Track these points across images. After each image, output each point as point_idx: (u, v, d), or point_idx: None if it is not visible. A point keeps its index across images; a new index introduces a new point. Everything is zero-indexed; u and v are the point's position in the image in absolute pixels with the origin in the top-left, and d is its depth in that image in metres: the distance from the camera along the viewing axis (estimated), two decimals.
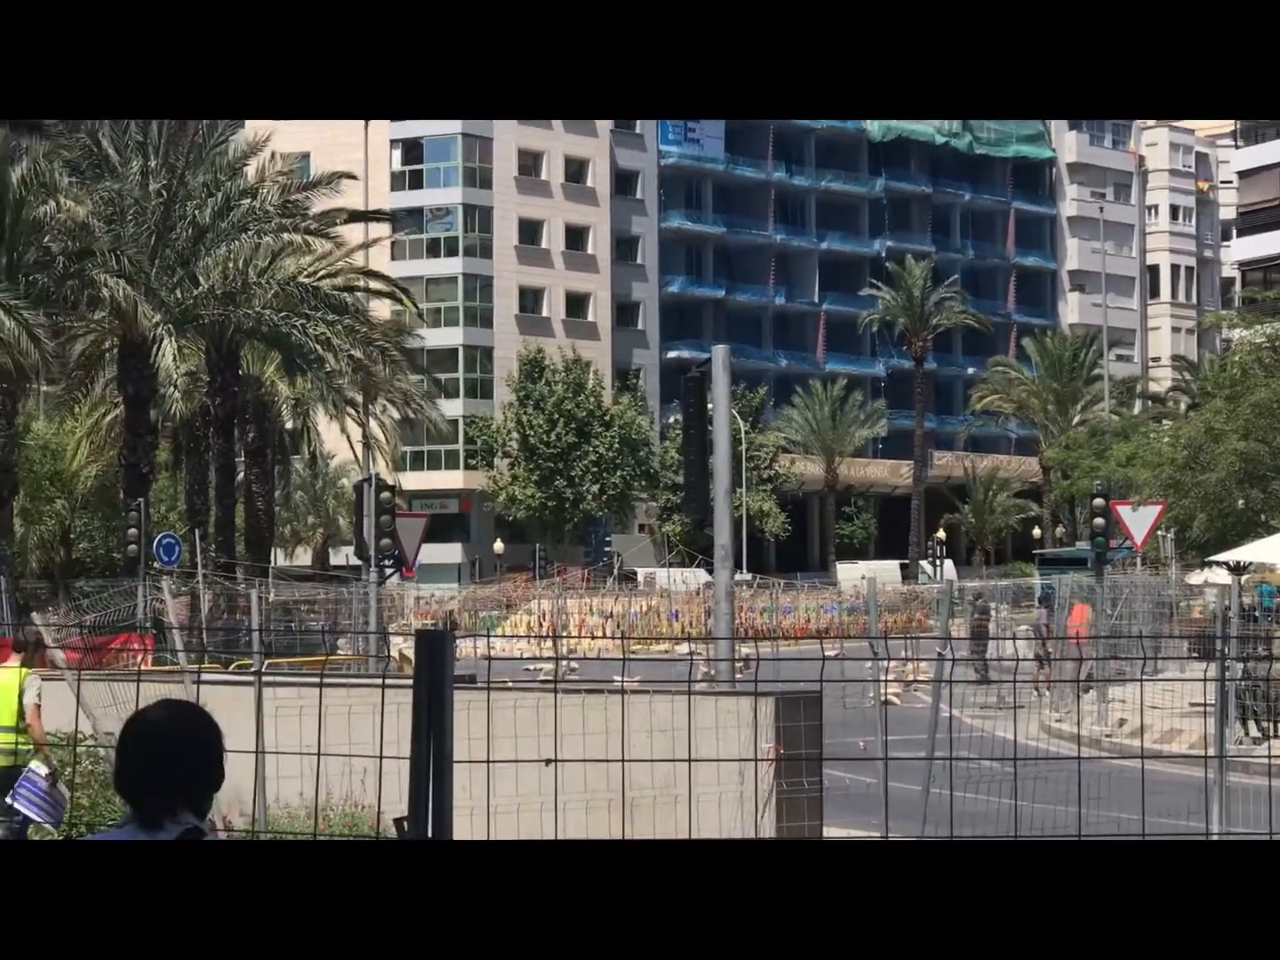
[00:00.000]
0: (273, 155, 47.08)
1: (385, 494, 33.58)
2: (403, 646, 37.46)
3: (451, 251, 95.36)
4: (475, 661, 15.89)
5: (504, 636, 48.97)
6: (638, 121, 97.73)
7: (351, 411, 55.76)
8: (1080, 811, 6.59)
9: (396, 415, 61.41)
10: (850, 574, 76.28)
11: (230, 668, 25.36)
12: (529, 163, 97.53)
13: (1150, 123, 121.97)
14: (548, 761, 8.45)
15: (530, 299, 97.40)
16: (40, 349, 40.44)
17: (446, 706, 4.67)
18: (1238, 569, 38.02)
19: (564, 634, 49.55)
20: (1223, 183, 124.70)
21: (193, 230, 44.59)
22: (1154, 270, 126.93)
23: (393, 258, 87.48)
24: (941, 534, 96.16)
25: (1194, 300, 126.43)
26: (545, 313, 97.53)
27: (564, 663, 35.72)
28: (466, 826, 5.78)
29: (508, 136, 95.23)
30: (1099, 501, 37.03)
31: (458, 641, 5.04)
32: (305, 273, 47.00)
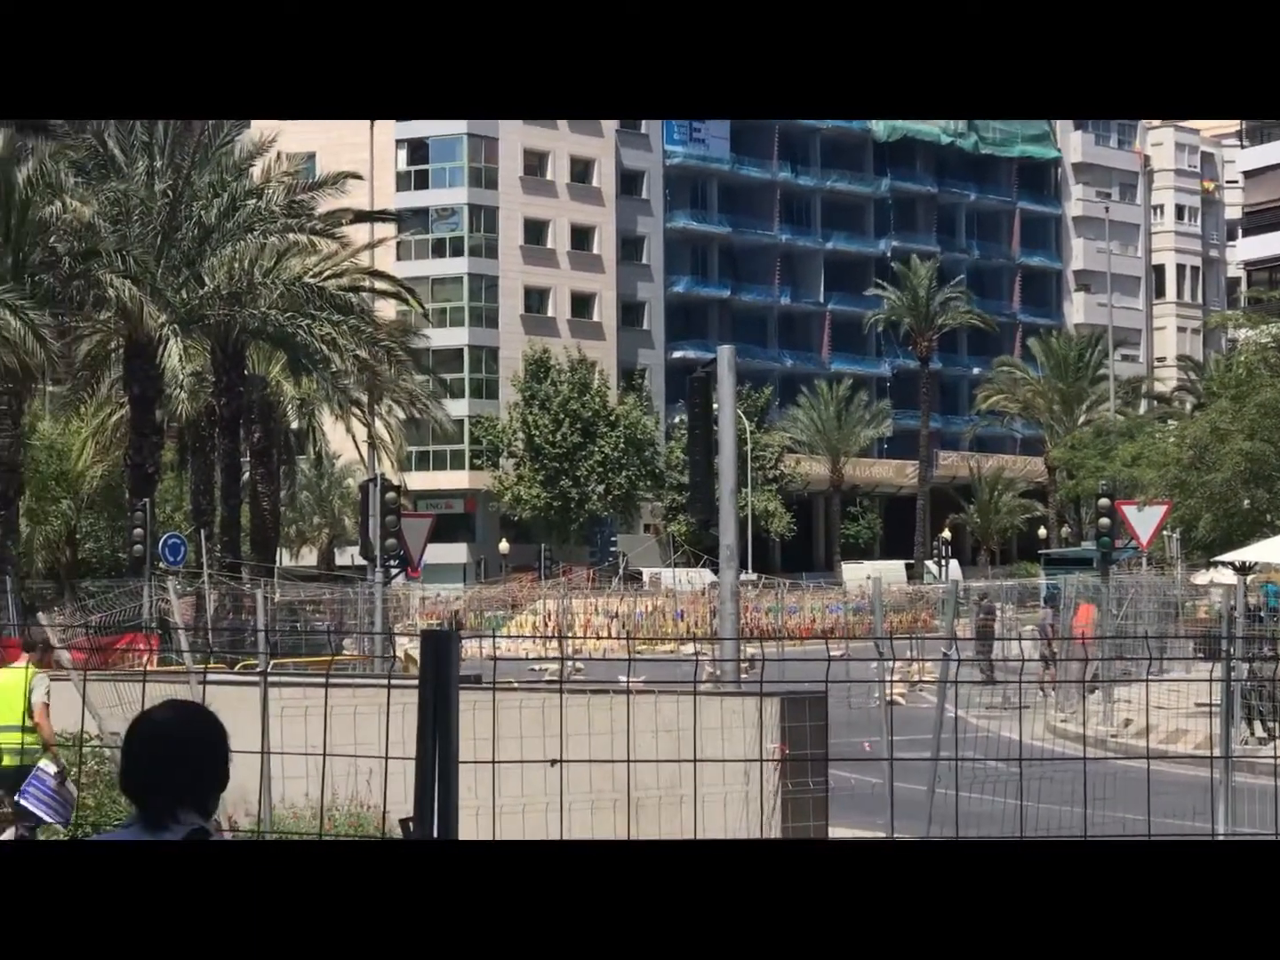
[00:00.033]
0: (278, 155, 47.09)
1: (390, 494, 33.56)
2: (408, 647, 37.48)
3: (457, 251, 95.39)
4: (481, 662, 15.90)
5: (509, 637, 48.99)
6: (643, 121, 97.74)
7: (357, 411, 55.77)
8: (1086, 812, 6.59)
9: (402, 415, 61.43)
10: (855, 574, 76.25)
11: (236, 668, 25.39)
12: (534, 163, 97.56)
13: (1156, 123, 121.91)
14: (553, 762, 8.45)
15: (535, 299, 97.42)
16: (46, 349, 40.47)
17: (452, 707, 4.67)
18: (1243, 569, 38.04)
19: (569, 634, 49.55)
20: (1228, 182, 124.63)
21: (198, 230, 44.61)
22: (1159, 270, 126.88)
23: (398, 258, 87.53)
24: (947, 534, 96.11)
25: (1199, 300, 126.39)
26: (550, 313, 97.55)
27: (569, 663, 35.72)
28: (472, 827, 5.78)
29: (513, 136, 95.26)
30: (1104, 501, 36.99)
31: (463, 642, 5.04)
32: (311, 273, 47.01)
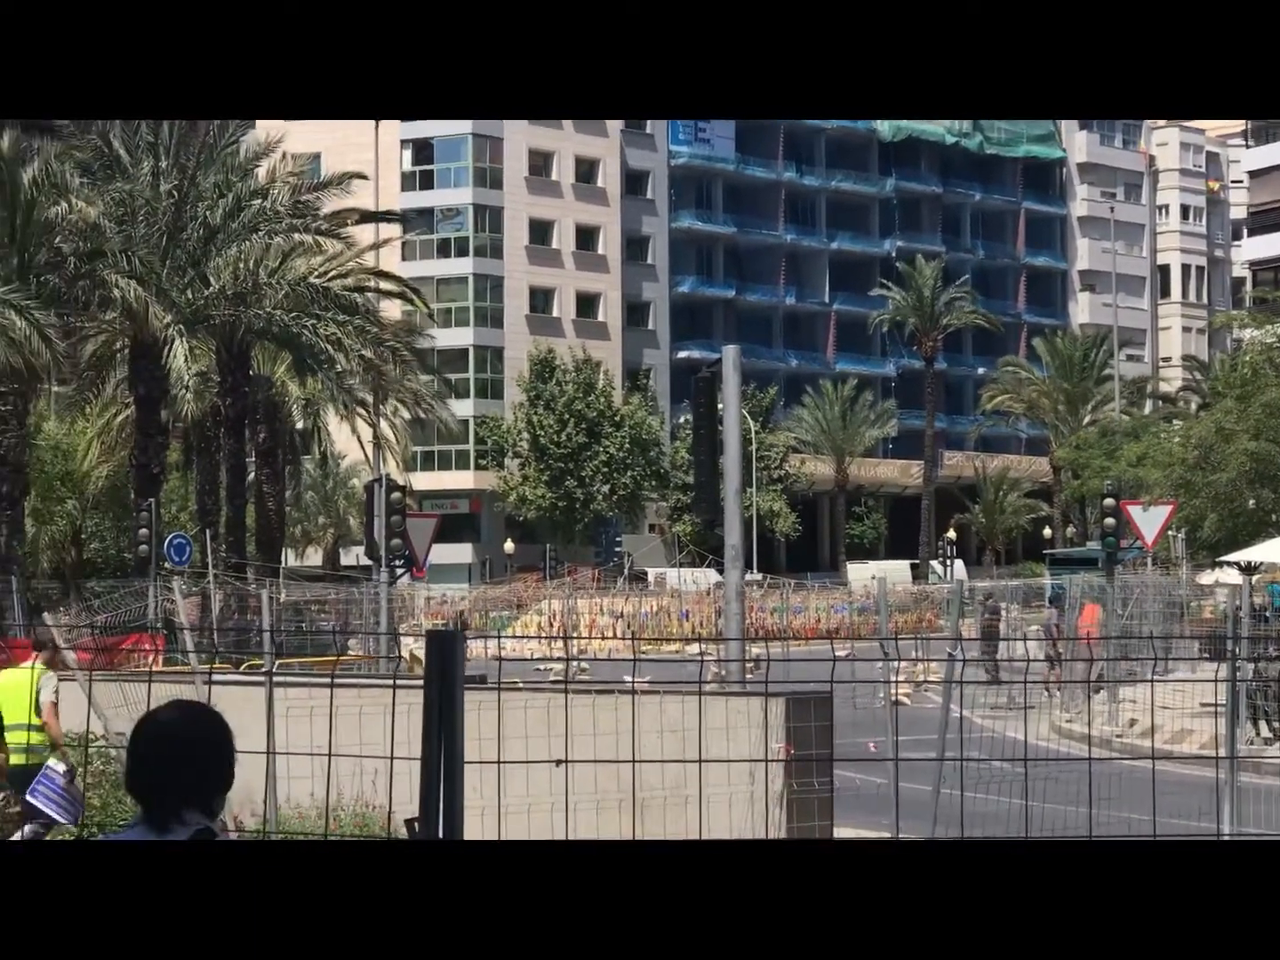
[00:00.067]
0: (284, 156, 47.11)
1: (396, 494, 33.57)
2: (413, 647, 37.50)
3: (462, 252, 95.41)
4: (486, 662, 15.91)
5: (514, 637, 48.96)
6: (648, 122, 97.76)
7: (362, 412, 55.76)
8: (1091, 812, 6.58)
9: (407, 415, 61.41)
10: (860, 574, 76.25)
11: (241, 668, 25.37)
12: (539, 163, 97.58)
13: (1161, 122, 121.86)
14: (558, 762, 8.45)
15: (541, 299, 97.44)
16: (51, 349, 40.49)
17: (457, 707, 4.67)
18: (1248, 569, 37.99)
19: (574, 634, 49.55)
20: (1233, 182, 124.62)
21: (203, 231, 44.63)
22: (1164, 270, 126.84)
23: (403, 258, 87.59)
24: (952, 534, 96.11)
25: (1204, 300, 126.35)
26: (556, 313, 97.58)
27: (574, 663, 35.72)
28: (477, 827, 5.78)
29: (518, 137, 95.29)
30: (1110, 501, 36.99)
31: (468, 642, 5.04)
32: (316, 273, 47.05)
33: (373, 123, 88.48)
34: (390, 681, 16.50)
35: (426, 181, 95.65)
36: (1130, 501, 40.04)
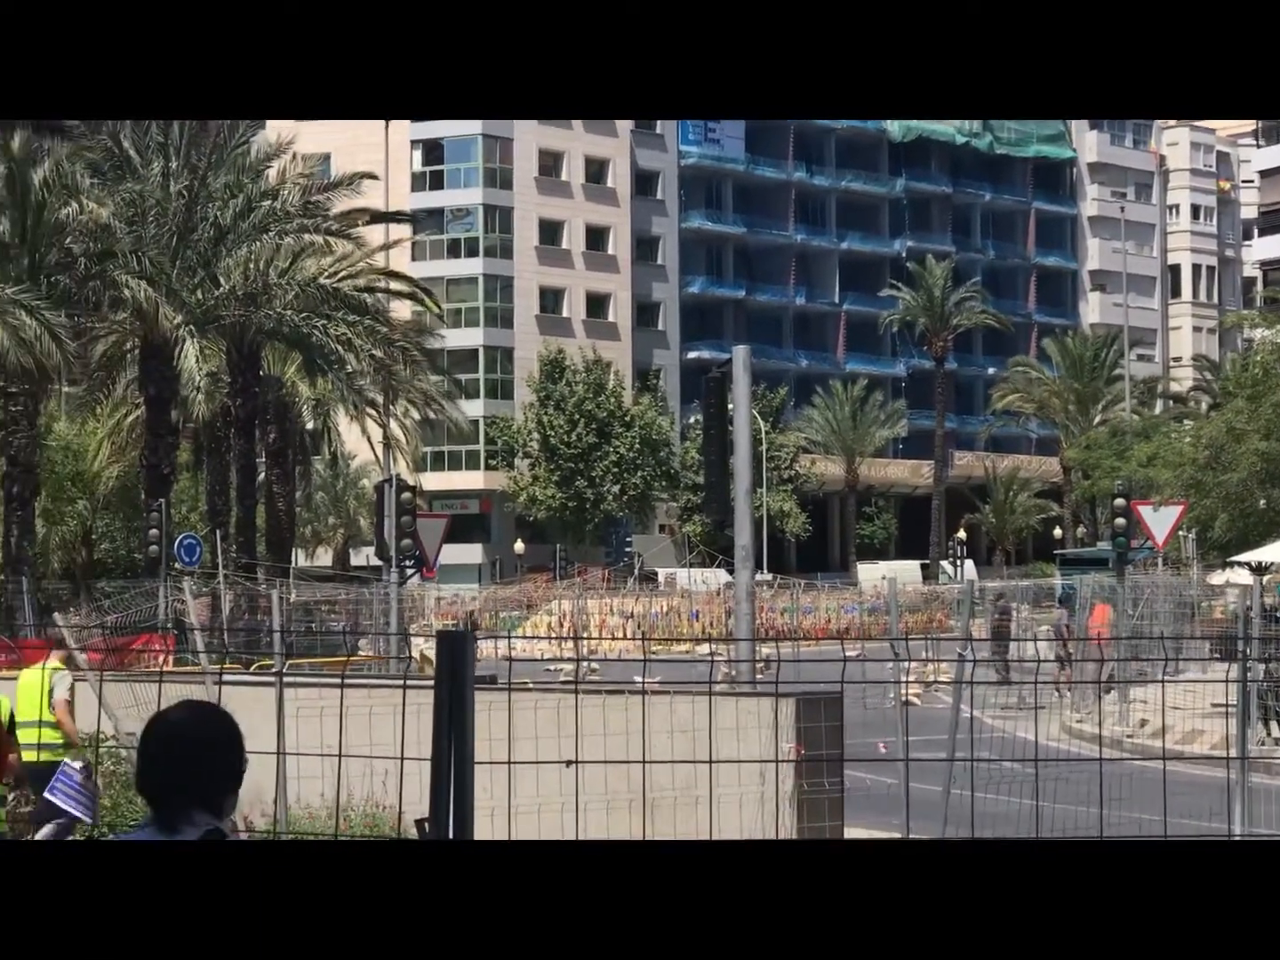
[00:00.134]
0: (294, 156, 47.16)
1: (406, 494, 33.58)
2: (424, 647, 37.51)
3: (472, 252, 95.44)
4: (496, 662, 15.90)
5: (525, 637, 48.98)
6: (658, 122, 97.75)
7: (372, 412, 55.83)
8: (1102, 812, 6.58)
9: (417, 416, 61.50)
10: (871, 574, 76.20)
11: (251, 668, 25.41)
12: (549, 163, 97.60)
13: (1171, 122, 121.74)
14: (568, 762, 8.45)
15: (551, 299, 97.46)
16: (62, 350, 40.56)
17: (468, 707, 4.67)
18: (1259, 569, 37.98)
19: (585, 635, 49.56)
20: (1244, 182, 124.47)
21: (214, 231, 44.68)
22: (1175, 270, 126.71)
23: (413, 258, 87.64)
24: (962, 534, 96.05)
25: (1215, 300, 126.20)
26: (566, 313, 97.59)
27: (585, 664, 35.72)
28: (488, 827, 5.79)
29: (528, 137, 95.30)
30: (1120, 501, 36.93)
31: (478, 642, 5.04)
32: (326, 273, 47.10)
33: (383, 123, 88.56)
34: (400, 682, 16.51)
35: (436, 182, 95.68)
36: (1141, 502, 39.99)
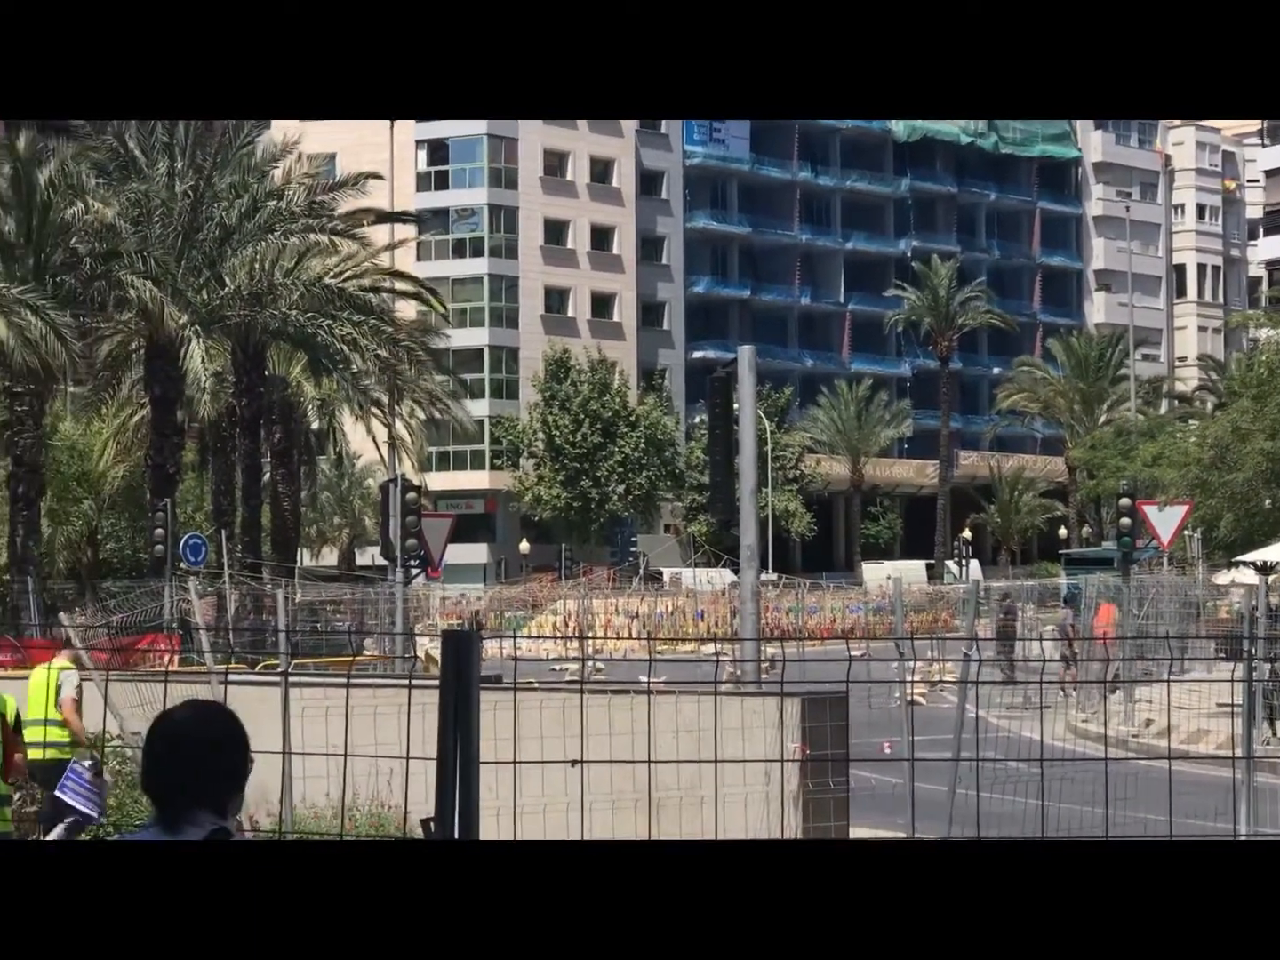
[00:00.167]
0: (299, 156, 47.15)
1: (411, 494, 33.59)
2: (429, 647, 37.52)
3: (477, 252, 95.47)
4: (501, 662, 15.90)
5: (530, 637, 48.97)
6: (663, 121, 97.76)
7: (377, 412, 55.79)
8: (1107, 812, 6.58)
9: (422, 415, 61.43)
10: (876, 574, 76.21)
11: (256, 668, 25.40)
12: (554, 163, 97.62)
13: (1176, 122, 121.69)
14: (574, 762, 8.45)
15: (555, 299, 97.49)
16: (68, 350, 40.58)
17: (473, 707, 4.67)
18: (1264, 569, 37.95)
19: (590, 634, 49.56)
20: (1249, 181, 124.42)
21: (219, 231, 44.69)
22: (1180, 269, 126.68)
23: (418, 258, 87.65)
24: (967, 534, 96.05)
25: (1220, 299, 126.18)
26: (570, 313, 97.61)
27: (590, 663, 35.72)
28: (493, 827, 5.79)
29: (533, 137, 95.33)
30: (1125, 501, 36.94)
31: (484, 642, 5.04)
32: (331, 273, 47.09)
33: (388, 123, 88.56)
34: (406, 681, 16.51)
35: (441, 182, 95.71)
36: (1146, 501, 39.99)
